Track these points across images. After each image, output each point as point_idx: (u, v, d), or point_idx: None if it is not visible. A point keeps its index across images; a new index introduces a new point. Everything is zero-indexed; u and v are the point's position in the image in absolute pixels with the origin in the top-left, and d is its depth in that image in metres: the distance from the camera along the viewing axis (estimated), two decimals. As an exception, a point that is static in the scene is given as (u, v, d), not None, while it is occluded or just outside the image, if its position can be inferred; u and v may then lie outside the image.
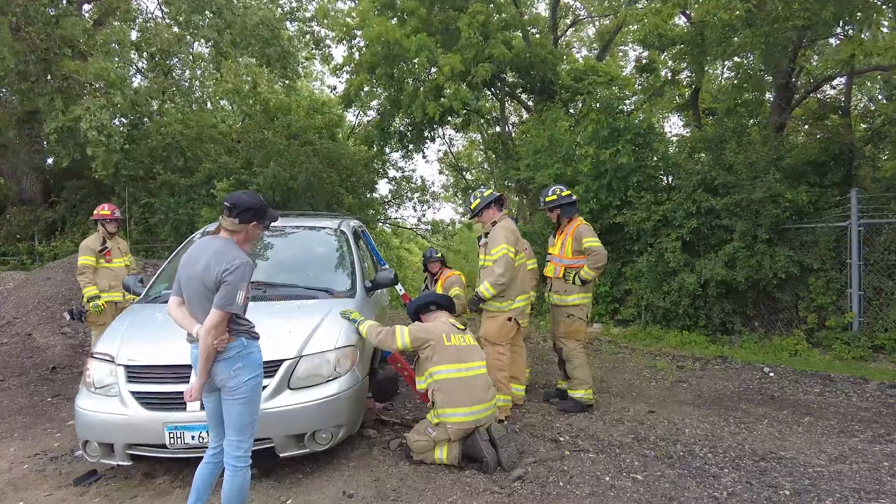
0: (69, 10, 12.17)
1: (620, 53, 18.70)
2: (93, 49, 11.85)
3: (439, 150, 22.79)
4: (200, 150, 14.82)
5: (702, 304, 8.54)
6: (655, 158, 9.13)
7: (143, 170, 13.79)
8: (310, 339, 3.91)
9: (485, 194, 5.04)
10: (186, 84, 17.63)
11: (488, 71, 10.36)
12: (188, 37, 15.06)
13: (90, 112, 10.71)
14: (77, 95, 11.39)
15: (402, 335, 4.12)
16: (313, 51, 16.58)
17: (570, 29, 17.54)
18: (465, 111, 12.47)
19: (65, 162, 12.61)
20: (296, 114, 16.05)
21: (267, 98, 16.32)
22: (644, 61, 12.36)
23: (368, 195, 17.63)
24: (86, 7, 18.49)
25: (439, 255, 7.25)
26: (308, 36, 16.03)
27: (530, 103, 13.35)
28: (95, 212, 6.39)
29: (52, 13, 11.24)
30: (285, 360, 3.73)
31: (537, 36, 13.66)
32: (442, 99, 11.15)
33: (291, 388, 3.71)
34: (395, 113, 13.14)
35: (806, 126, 11.56)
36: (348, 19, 12.76)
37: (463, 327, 4.30)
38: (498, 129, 13.26)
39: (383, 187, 21.03)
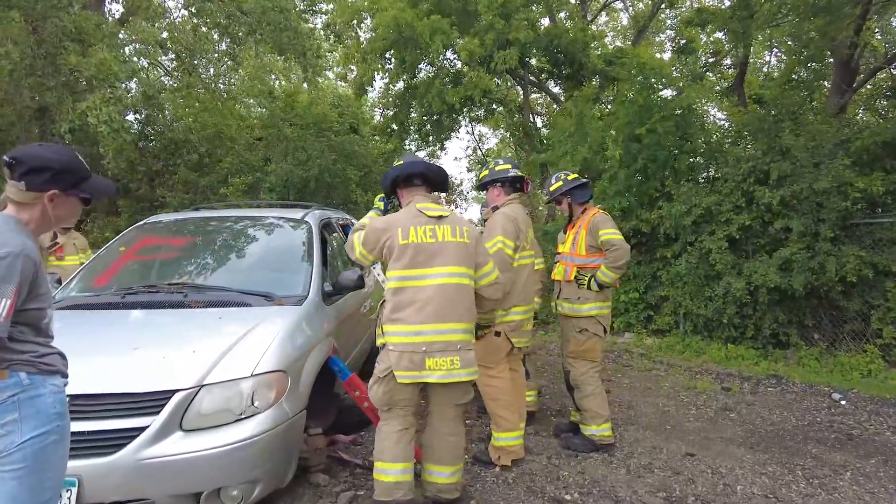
0: (74, 2, 11.55)
1: (657, 40, 17.13)
2: (99, 42, 11.25)
3: (467, 147, 21.61)
4: (219, 148, 14.15)
5: (750, 312, 7.11)
6: (699, 142, 7.73)
7: (159, 166, 13.15)
8: (218, 362, 2.82)
9: (497, 167, 3.86)
10: (210, 82, 17.08)
11: (514, 58, 9.14)
12: (203, 28, 14.49)
13: (95, 106, 10.07)
14: (83, 90, 10.79)
15: (359, 241, 3.04)
16: (335, 42, 15.73)
17: (602, 14, 16.11)
18: (486, 100, 11.32)
19: (107, 167, 12.08)
20: (315, 107, 15.18)
21: (287, 91, 15.54)
22: (682, 42, 10.92)
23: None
24: (115, 6, 18.20)
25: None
26: (328, 29, 15.20)
27: (556, 90, 12.07)
28: None
29: (58, 5, 10.63)
30: (178, 391, 2.66)
31: (566, 21, 12.38)
32: (459, 86, 10.00)
33: (185, 430, 2.63)
34: (411, 103, 11.99)
35: (867, 109, 9.94)
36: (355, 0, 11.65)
37: (442, 213, 3.03)
38: (520, 116, 11.98)
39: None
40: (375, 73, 10.63)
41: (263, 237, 4.30)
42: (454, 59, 10.75)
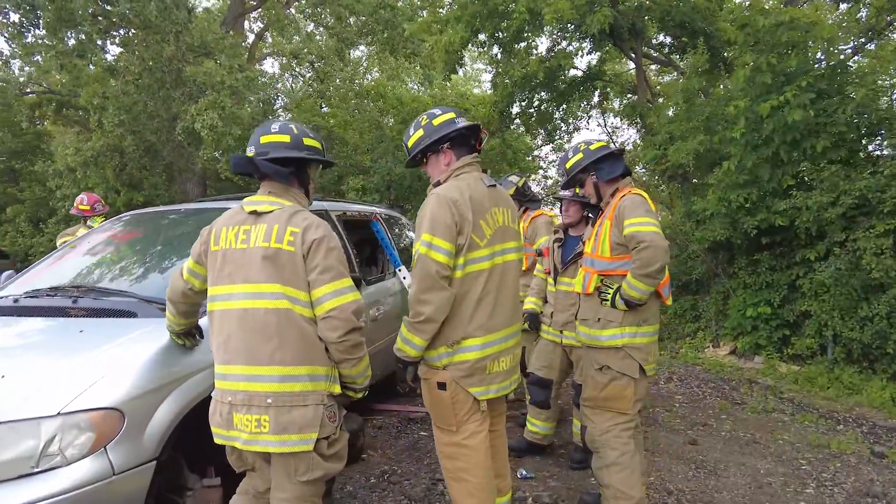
0: (193, 16, 12.16)
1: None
2: (220, 54, 11.73)
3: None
4: (331, 149, 14.24)
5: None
6: (849, 111, 5.63)
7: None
8: (25, 393, 2.09)
9: (435, 121, 2.36)
10: (341, 86, 17.43)
11: (607, 17, 7.53)
12: (312, 27, 14.70)
13: (200, 112, 10.44)
14: (197, 98, 11.27)
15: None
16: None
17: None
18: (581, 76, 9.63)
19: (199, 164, 12.80)
20: (413, 102, 14.62)
21: (380, 84, 15.23)
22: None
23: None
24: (256, 25, 19.40)
25: (514, 186, 4.41)
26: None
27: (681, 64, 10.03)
28: (75, 206, 5.39)
29: (181, 22, 11.23)
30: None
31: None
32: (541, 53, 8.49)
33: (-44, 487, 1.92)
34: (508, 87, 10.67)
35: None
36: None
37: (267, 208, 2.04)
38: (635, 97, 10.14)
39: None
40: (464, 45, 9.34)
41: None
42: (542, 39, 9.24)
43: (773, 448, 4.02)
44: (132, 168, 12.74)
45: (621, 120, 13.93)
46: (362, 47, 19.27)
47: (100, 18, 11.20)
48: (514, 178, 4.50)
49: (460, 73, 25.69)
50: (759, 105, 5.87)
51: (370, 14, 14.07)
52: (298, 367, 1.95)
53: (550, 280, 3.77)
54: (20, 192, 16.46)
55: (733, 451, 3.95)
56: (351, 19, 14.43)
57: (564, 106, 11.87)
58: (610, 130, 17.30)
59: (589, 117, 15.99)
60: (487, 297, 2.28)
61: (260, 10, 17.25)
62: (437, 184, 2.35)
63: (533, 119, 11.83)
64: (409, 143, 2.43)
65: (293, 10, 17.13)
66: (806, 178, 5.79)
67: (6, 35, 12.14)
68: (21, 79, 14.66)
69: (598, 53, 10.14)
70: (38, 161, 14.43)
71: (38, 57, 12.23)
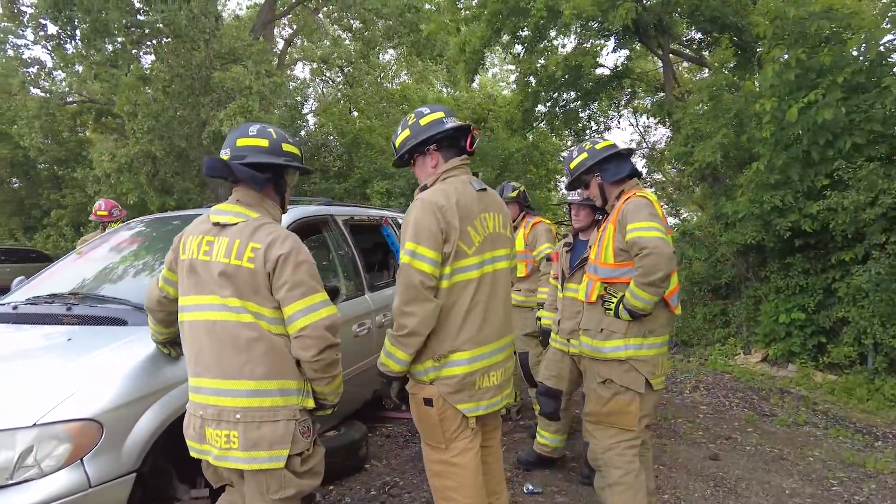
0: (220, 25, 12.34)
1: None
2: (247, 60, 11.89)
3: (631, 141, 19.08)
4: (355, 154, 14.28)
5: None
6: (889, 105, 5.27)
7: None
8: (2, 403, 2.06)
9: (423, 120, 2.22)
10: (371, 88, 17.50)
11: (629, 12, 7.25)
12: (340, 32, 14.80)
13: (228, 117, 10.59)
14: (226, 103, 11.44)
15: None
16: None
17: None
18: (608, 73, 9.30)
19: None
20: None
21: (421, 95, 15.16)
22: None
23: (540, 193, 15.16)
24: (285, 32, 19.65)
25: (516, 191, 4.28)
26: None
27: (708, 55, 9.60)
28: (93, 212, 5.48)
29: (210, 30, 11.42)
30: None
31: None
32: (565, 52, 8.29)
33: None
34: (532, 85, 10.41)
35: None
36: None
37: (231, 220, 1.94)
38: (664, 95, 9.77)
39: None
40: (480, 39, 9.15)
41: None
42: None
43: (802, 465, 3.75)
44: (164, 173, 13.02)
45: (648, 118, 13.54)
46: (391, 51, 19.35)
47: (132, 29, 11.49)
48: (514, 184, 4.39)
49: (489, 74, 25.38)
50: (786, 104, 5.55)
51: (397, 16, 14.09)
52: (268, 382, 1.86)
53: (559, 286, 3.61)
54: (62, 197, 17.07)
55: (757, 467, 3.71)
56: (379, 23, 14.46)
57: (596, 105, 11.56)
58: (642, 130, 16.84)
59: (620, 117, 15.60)
60: (476, 308, 2.13)
61: (289, 15, 17.49)
62: (425, 188, 2.23)
63: (558, 119, 11.57)
64: (396, 144, 2.30)
65: (321, 16, 17.31)
66: (843, 177, 5.44)
67: (49, 47, 12.62)
68: (63, 89, 15.17)
69: (624, 51, 9.84)
70: (78, 168, 14.91)
71: (79, 67, 12.65)
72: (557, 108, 11.39)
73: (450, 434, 2.14)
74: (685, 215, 12.18)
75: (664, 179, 16.02)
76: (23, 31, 13.50)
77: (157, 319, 2.20)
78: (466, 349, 2.11)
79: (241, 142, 2.03)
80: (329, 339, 1.86)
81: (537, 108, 11.09)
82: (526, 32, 9.24)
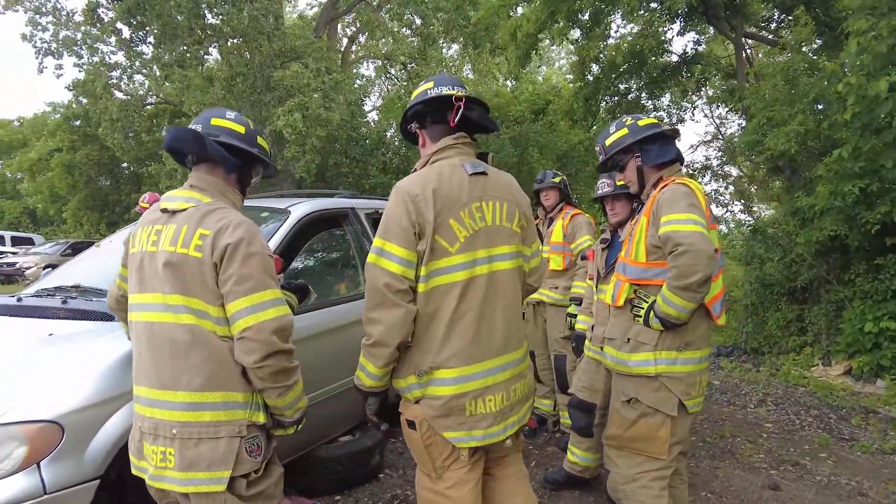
0: (280, 24, 12.50)
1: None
2: (308, 57, 11.99)
3: (706, 133, 17.83)
4: (412, 150, 14.17)
5: None
6: None
7: (357, 170, 13.60)
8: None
9: (419, 92, 1.92)
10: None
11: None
12: (404, 29, 14.63)
13: (285, 114, 10.70)
14: (286, 101, 11.59)
15: None
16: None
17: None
18: (676, 61, 8.52)
19: (279, 165, 13.17)
20: (512, 104, 14.10)
21: (478, 90, 14.82)
22: None
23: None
24: (349, 29, 19.83)
25: (559, 177, 4.02)
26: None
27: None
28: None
29: (270, 30, 11.59)
30: None
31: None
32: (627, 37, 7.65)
33: None
34: (594, 73, 9.77)
35: None
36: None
37: (180, 205, 1.73)
38: (735, 82, 8.87)
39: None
40: (535, 22, 8.63)
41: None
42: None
43: (886, 503, 3.16)
44: (227, 167, 13.41)
45: (717, 106, 12.54)
46: (455, 46, 19.10)
47: (197, 31, 11.84)
48: (556, 172, 4.06)
49: (555, 66, 24.53)
50: (872, 82, 4.80)
51: (455, 9, 13.83)
52: (210, 393, 1.62)
53: (594, 287, 3.21)
54: (140, 193, 18.08)
55: (828, 503, 3.16)
56: (440, 15, 14.24)
57: (668, 95, 10.79)
58: (718, 122, 15.69)
59: (694, 107, 14.56)
60: (465, 318, 1.75)
61: (353, 13, 17.61)
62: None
63: (620, 109, 10.90)
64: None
65: (384, 13, 17.32)
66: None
67: (125, 50, 13.26)
68: (140, 91, 15.97)
69: (691, 35, 9.07)
70: (153, 164, 15.67)
71: (156, 68, 13.23)
72: (619, 98, 10.72)
73: (440, 462, 1.80)
74: (761, 213, 11.20)
75: (741, 174, 14.85)
76: (109, 38, 14.30)
77: (121, 319, 2.04)
78: (452, 366, 1.74)
79: (216, 121, 1.86)
80: (276, 343, 1.61)
81: (599, 98, 10.46)
82: (584, 17, 8.68)
